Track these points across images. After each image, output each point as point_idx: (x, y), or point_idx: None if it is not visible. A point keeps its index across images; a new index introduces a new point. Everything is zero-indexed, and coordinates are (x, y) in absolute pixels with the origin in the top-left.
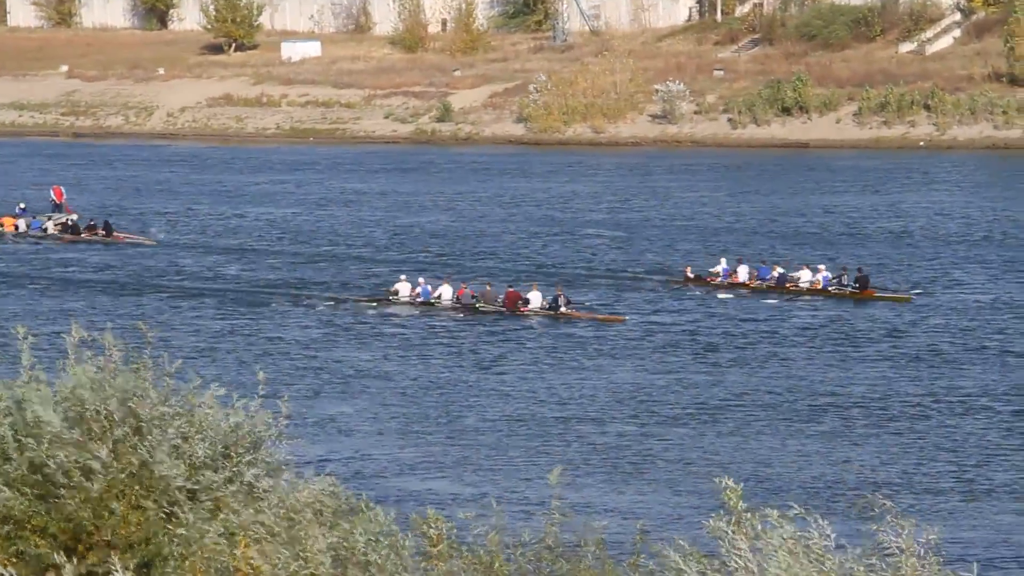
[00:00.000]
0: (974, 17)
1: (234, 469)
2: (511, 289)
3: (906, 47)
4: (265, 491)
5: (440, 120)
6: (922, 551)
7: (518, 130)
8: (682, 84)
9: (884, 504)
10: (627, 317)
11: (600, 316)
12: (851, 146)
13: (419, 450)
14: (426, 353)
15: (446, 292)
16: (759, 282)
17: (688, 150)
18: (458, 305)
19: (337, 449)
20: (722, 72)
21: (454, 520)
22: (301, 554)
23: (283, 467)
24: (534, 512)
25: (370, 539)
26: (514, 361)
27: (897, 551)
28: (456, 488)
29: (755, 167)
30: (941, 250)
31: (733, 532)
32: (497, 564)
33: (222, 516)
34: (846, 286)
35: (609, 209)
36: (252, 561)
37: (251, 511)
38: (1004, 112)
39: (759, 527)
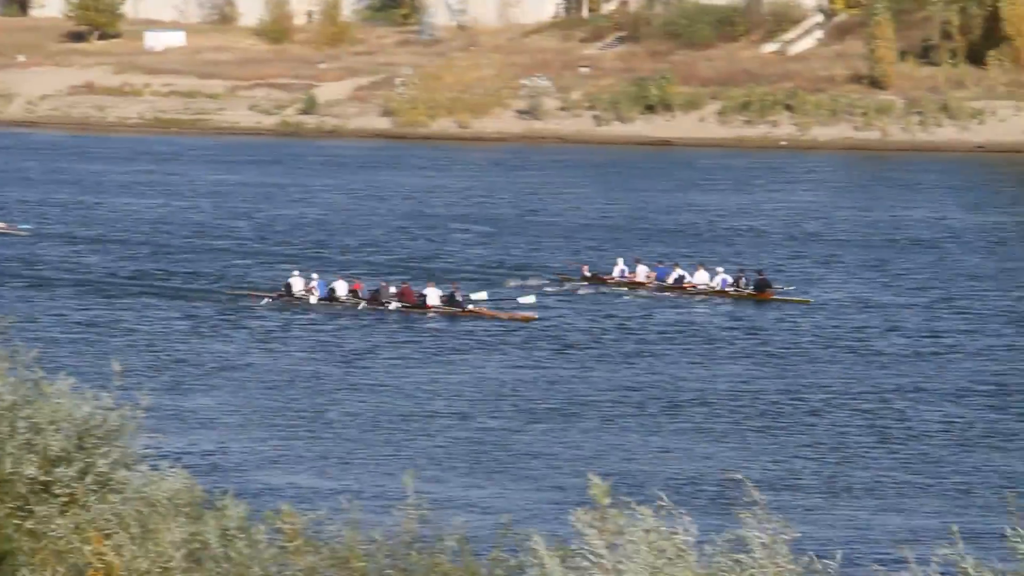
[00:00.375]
0: (836, 19)
1: (88, 461)
2: (405, 284)
3: (769, 47)
4: (120, 484)
5: (305, 113)
6: (782, 547)
7: (383, 124)
8: (548, 80)
9: (749, 498)
10: (536, 316)
11: (509, 315)
12: (714, 145)
13: (281, 444)
14: (292, 347)
15: (340, 287)
16: (658, 282)
17: (553, 146)
18: (359, 300)
19: (197, 442)
20: (588, 69)
21: (312, 515)
22: (154, 548)
23: (139, 460)
24: (395, 507)
25: (224, 533)
26: (383, 356)
27: (758, 547)
28: (317, 482)
29: (621, 164)
30: (803, 249)
31: (592, 528)
32: (354, 559)
33: (74, 510)
34: (746, 288)
35: (480, 204)
36: (105, 556)
37: (105, 505)
38: (864, 113)
39: (622, 522)
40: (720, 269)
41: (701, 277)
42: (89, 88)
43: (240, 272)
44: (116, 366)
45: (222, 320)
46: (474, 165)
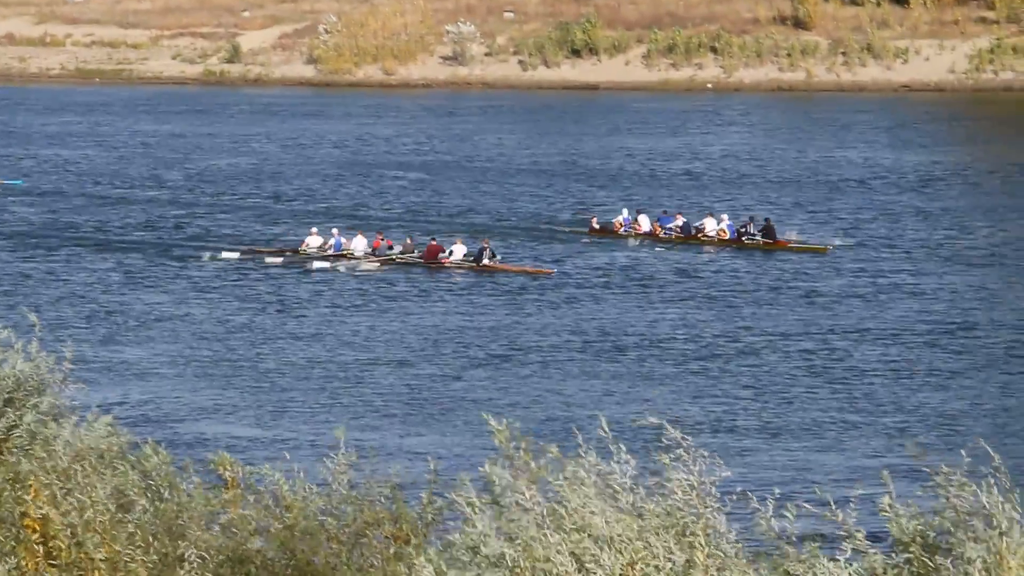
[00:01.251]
0: None
1: (17, 414)
2: (433, 242)
3: None
4: (50, 436)
5: (229, 61)
6: (715, 487)
7: (308, 72)
8: (472, 26)
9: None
10: (555, 270)
11: (529, 269)
12: (640, 88)
13: (217, 394)
14: (233, 299)
15: (359, 244)
16: (663, 232)
17: (479, 92)
18: (374, 258)
19: (131, 393)
20: (512, 14)
21: (249, 466)
22: (86, 498)
23: (69, 412)
24: (329, 456)
25: (149, 484)
26: (331, 307)
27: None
28: (253, 432)
29: (550, 109)
30: (739, 192)
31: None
32: (292, 509)
33: (6, 464)
34: (753, 236)
35: (413, 152)
36: (41, 508)
37: (36, 458)
38: (789, 55)
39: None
40: (725, 216)
41: (709, 225)
42: (9, 39)
43: (176, 224)
44: (34, 318)
45: (157, 272)
46: (403, 112)
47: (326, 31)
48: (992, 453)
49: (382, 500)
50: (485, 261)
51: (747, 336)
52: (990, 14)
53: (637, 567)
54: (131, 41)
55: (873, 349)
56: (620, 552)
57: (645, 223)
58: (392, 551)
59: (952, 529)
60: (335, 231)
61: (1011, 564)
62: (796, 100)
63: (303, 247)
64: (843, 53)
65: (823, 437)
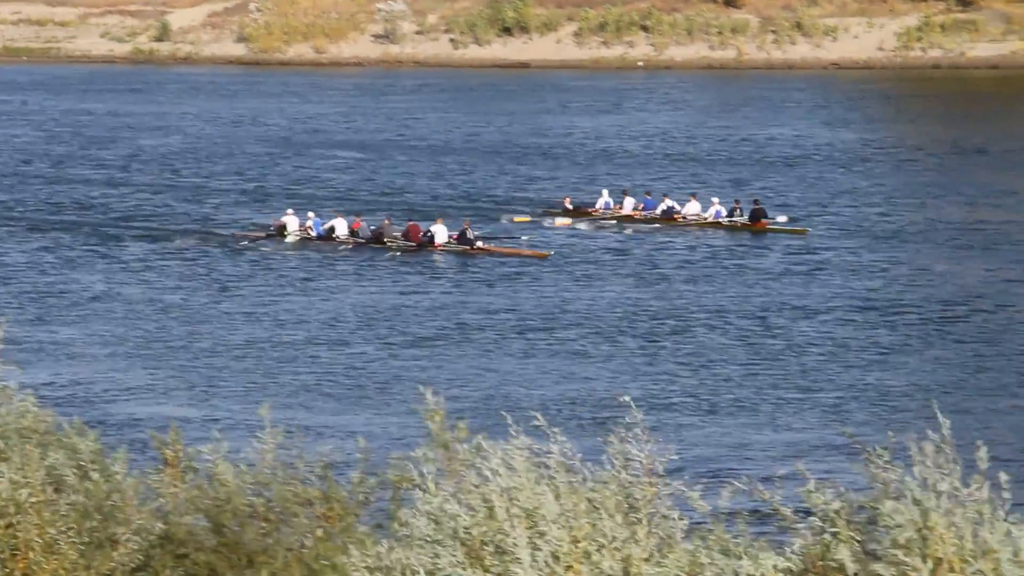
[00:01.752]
0: None
1: None
2: (412, 222)
3: None
4: None
5: (158, 40)
6: (657, 466)
7: (239, 50)
8: (404, 4)
9: (626, 418)
10: (551, 252)
11: (524, 251)
12: (571, 66)
13: (149, 374)
14: (168, 279)
15: (340, 226)
16: (645, 214)
17: (411, 70)
18: (359, 240)
19: (63, 374)
20: None
21: (185, 443)
22: (20, 477)
23: None
24: (260, 435)
25: (79, 464)
26: (268, 286)
27: (635, 465)
28: (186, 412)
29: (482, 87)
30: (679, 170)
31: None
32: (222, 487)
33: None
34: (740, 218)
35: (346, 129)
36: None
37: None
38: (719, 33)
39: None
40: (715, 200)
41: (692, 208)
42: None
43: (108, 203)
44: None
45: (88, 252)
46: (334, 91)
47: (257, 9)
48: (923, 427)
49: (313, 479)
50: (479, 244)
51: (686, 314)
52: None
53: (580, 545)
54: (59, 19)
55: (809, 326)
56: (565, 528)
57: (629, 206)
58: (322, 530)
59: (882, 502)
60: (311, 214)
61: (942, 535)
62: (727, 78)
63: (280, 226)
64: (773, 31)
65: (760, 413)
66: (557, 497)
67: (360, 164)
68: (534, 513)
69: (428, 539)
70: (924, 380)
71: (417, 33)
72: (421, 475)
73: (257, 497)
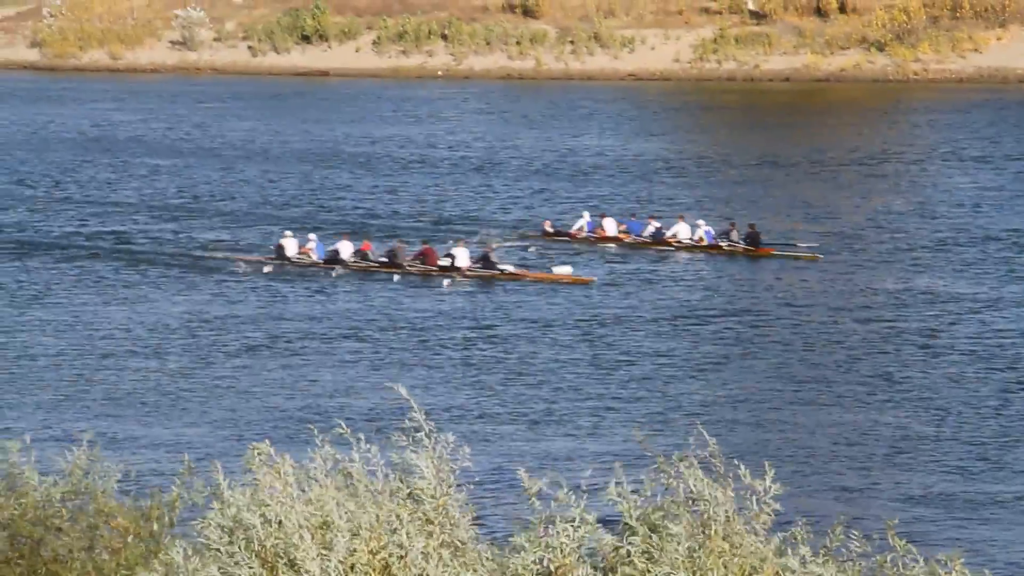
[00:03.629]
0: None
1: None
2: (427, 245)
3: None
4: None
5: None
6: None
7: (32, 55)
8: (201, 11)
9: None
10: (595, 278)
11: (567, 276)
12: (371, 75)
13: None
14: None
15: (345, 248)
16: (633, 237)
17: (208, 78)
18: (372, 264)
19: None
20: None
21: None
22: None
23: None
24: (68, 448)
25: None
26: (80, 299)
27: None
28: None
29: (281, 96)
30: (488, 181)
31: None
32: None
33: None
34: (736, 243)
35: (147, 136)
36: None
37: None
38: (518, 43)
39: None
40: (701, 222)
41: (682, 231)
42: None
43: None
44: None
45: None
46: (131, 97)
47: (50, 14)
48: (710, 438)
49: (118, 491)
50: (509, 268)
51: (509, 325)
52: (713, 5)
53: (379, 556)
54: None
55: (621, 337)
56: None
57: (611, 227)
58: (128, 540)
59: (668, 511)
60: (312, 236)
61: (719, 545)
62: (526, 87)
63: (279, 249)
64: (571, 42)
65: (574, 423)
66: (357, 507)
67: (167, 171)
68: (329, 524)
69: (222, 550)
70: (726, 392)
71: (215, 40)
72: (217, 486)
73: (59, 507)
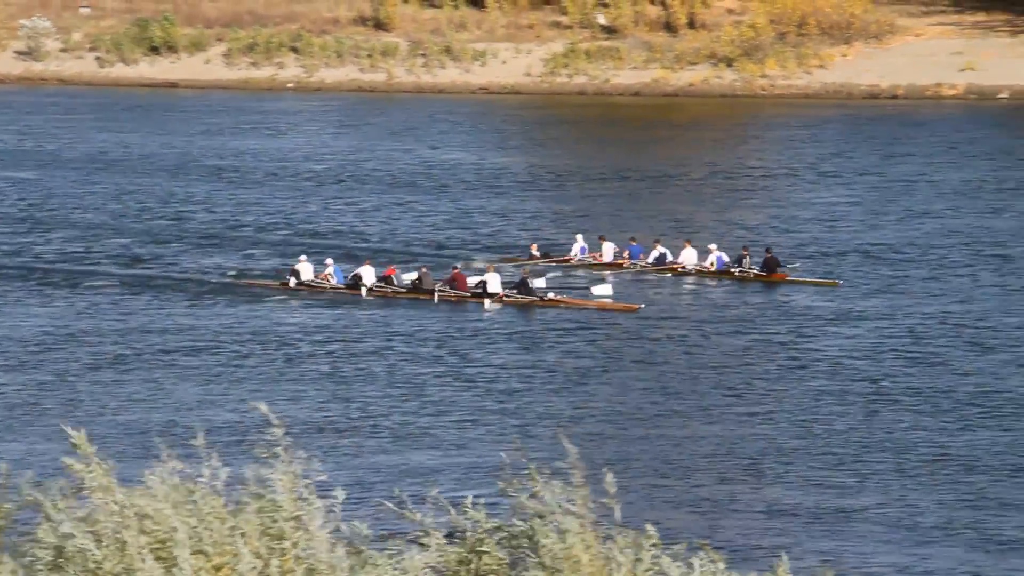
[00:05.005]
0: None
1: None
2: (456, 270)
3: None
4: None
5: None
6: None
7: None
8: (48, 21)
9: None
10: (642, 305)
11: (611, 304)
12: (221, 87)
13: None
14: None
15: (367, 274)
16: (633, 263)
17: (55, 88)
18: (399, 290)
19: None
20: (88, 10)
21: None
22: None
23: None
24: None
25: None
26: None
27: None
28: None
29: (130, 107)
30: (351, 193)
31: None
32: None
33: None
34: (749, 269)
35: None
36: None
37: None
38: (370, 56)
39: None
40: (713, 246)
41: (689, 256)
42: None
43: None
44: None
45: None
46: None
47: None
48: (572, 449)
49: None
50: (550, 295)
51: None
52: (564, 19)
53: (223, 571)
54: None
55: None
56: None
57: (609, 252)
58: None
59: (531, 524)
60: (329, 260)
61: (581, 557)
62: (378, 100)
63: (293, 273)
64: (423, 55)
65: (434, 438)
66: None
67: (19, 183)
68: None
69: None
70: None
71: (62, 51)
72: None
73: None
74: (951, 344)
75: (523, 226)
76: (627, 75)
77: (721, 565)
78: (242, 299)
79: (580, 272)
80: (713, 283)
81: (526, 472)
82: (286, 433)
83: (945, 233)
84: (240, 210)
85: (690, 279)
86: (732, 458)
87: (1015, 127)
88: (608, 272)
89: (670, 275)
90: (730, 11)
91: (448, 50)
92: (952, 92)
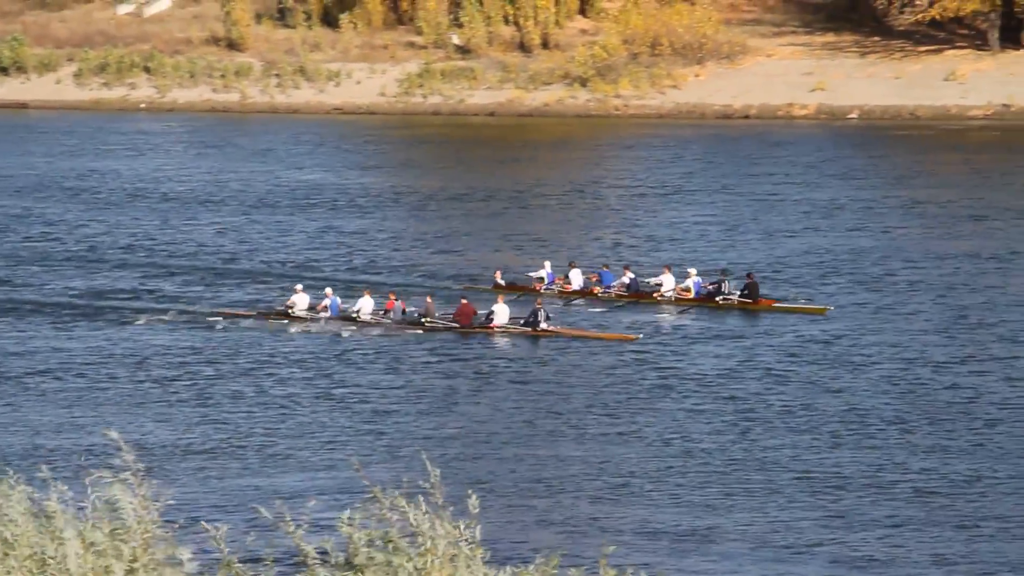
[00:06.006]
0: None
1: None
2: (465, 301)
3: (124, 9)
4: None
5: None
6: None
7: None
8: None
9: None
10: (640, 335)
11: (609, 335)
12: (72, 107)
13: None
14: None
15: (366, 305)
16: (606, 291)
17: None
18: (399, 322)
19: None
20: None
21: None
22: None
23: None
24: None
25: None
26: None
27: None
28: None
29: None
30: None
31: None
32: None
33: None
34: (729, 295)
35: None
36: None
37: None
38: (223, 76)
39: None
40: (692, 271)
41: (667, 282)
42: None
43: None
44: None
45: None
46: None
47: None
48: (434, 470)
49: None
50: (543, 325)
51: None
52: (418, 39)
53: None
54: None
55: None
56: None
57: (577, 280)
58: None
59: (387, 543)
60: (328, 291)
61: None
62: (232, 121)
63: (289, 305)
64: (277, 75)
65: (299, 460)
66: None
67: None
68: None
69: None
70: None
71: None
72: None
73: None
74: (818, 362)
75: (396, 247)
76: (482, 95)
77: None
78: (107, 322)
79: (579, 302)
80: (692, 312)
81: (373, 495)
82: (136, 459)
83: (809, 251)
84: (101, 231)
85: (667, 307)
86: (602, 478)
87: (867, 147)
88: (580, 300)
89: (653, 302)
90: (583, 31)
91: (302, 70)
92: (803, 112)
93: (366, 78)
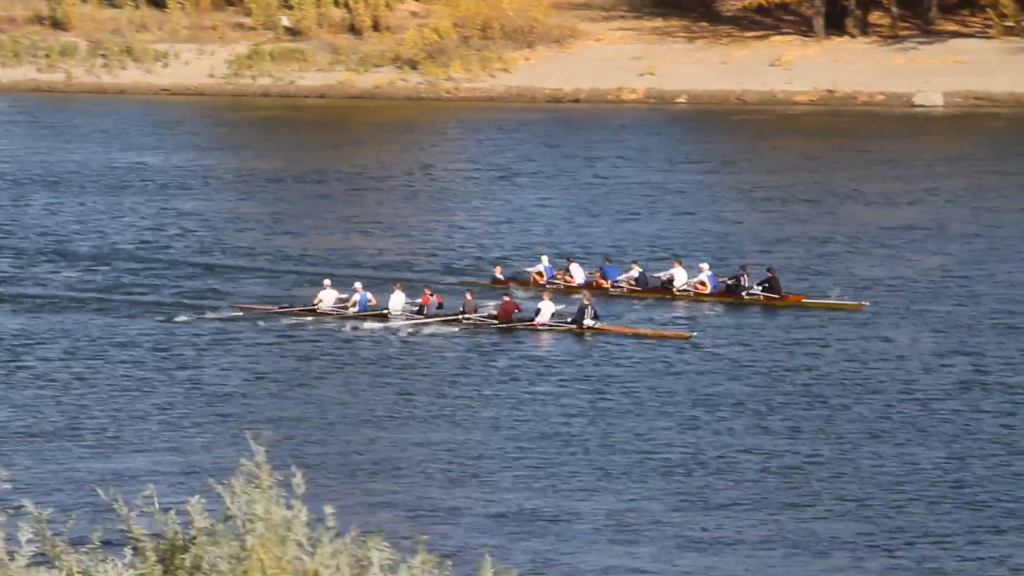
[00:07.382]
0: None
1: None
2: (507, 298)
3: None
4: None
5: None
6: None
7: None
8: None
9: None
10: (694, 333)
11: (662, 332)
12: None
13: None
14: None
15: (396, 300)
16: (615, 285)
17: None
18: (430, 318)
19: None
20: None
21: None
22: None
23: None
24: None
25: None
26: None
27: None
28: None
29: None
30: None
31: None
32: None
33: None
34: (744, 288)
35: None
36: None
37: None
38: (48, 55)
39: None
40: (705, 266)
41: (679, 276)
42: None
43: None
44: None
45: None
46: None
47: None
48: (259, 450)
49: None
50: (588, 322)
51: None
52: (247, 21)
53: None
54: None
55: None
56: None
57: (579, 274)
58: None
59: (211, 529)
60: (358, 285)
61: (262, 559)
62: (57, 101)
63: (316, 302)
64: (103, 55)
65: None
66: None
67: None
68: None
69: None
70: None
71: None
72: None
73: None
74: (677, 348)
75: (241, 229)
76: (312, 77)
77: (429, 566)
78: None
79: (622, 299)
80: (717, 307)
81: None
82: None
83: (655, 234)
84: None
85: (682, 302)
86: (454, 462)
87: (697, 130)
88: (582, 293)
89: (670, 298)
90: (414, 14)
91: (129, 50)
92: (633, 96)
93: (195, 59)
